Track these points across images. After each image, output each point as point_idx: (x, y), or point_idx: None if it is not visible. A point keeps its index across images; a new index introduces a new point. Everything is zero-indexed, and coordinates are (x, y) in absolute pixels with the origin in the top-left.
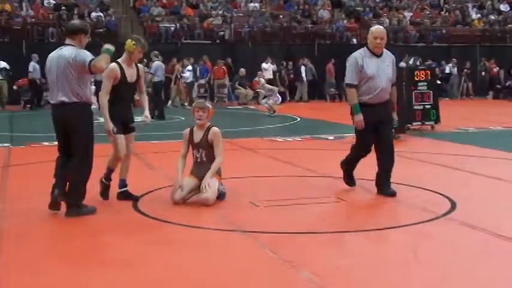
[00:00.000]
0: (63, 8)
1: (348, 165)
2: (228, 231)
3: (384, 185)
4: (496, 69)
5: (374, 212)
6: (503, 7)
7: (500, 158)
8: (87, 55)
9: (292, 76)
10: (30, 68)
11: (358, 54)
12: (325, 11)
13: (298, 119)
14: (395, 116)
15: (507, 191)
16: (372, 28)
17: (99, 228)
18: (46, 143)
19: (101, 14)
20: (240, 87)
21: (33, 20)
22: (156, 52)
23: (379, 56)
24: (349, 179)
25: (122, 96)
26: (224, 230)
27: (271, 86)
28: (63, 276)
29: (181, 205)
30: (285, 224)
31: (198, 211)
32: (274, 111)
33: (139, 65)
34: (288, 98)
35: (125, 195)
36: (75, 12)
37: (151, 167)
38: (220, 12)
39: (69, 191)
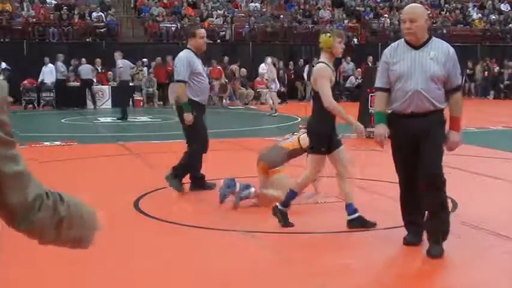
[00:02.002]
0: (64, 8)
1: (405, 208)
2: (229, 231)
3: (429, 240)
4: (496, 69)
5: (374, 212)
6: (504, 7)
7: (501, 157)
8: (178, 73)
9: (293, 76)
10: (61, 68)
11: (389, 47)
12: (326, 11)
13: (299, 119)
14: (455, 136)
15: (508, 190)
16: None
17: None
18: (47, 143)
19: (102, 14)
20: (241, 87)
21: (34, 20)
22: (121, 53)
23: (417, 47)
24: (412, 234)
25: None
26: (225, 230)
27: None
28: (62, 274)
29: (182, 205)
30: None
31: (199, 211)
32: (276, 111)
33: None
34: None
35: (360, 223)
36: (76, 12)
37: (152, 167)
38: (221, 12)
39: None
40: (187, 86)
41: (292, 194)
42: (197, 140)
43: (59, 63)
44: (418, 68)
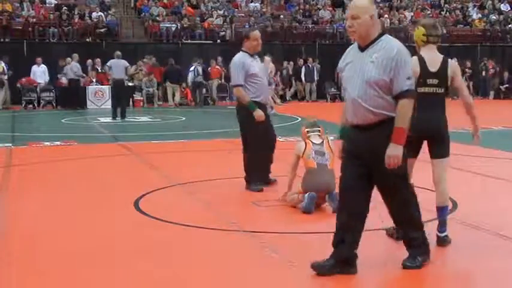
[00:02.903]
0: (64, 8)
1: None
2: (229, 231)
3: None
4: (494, 70)
5: (374, 212)
6: (504, 7)
7: (501, 157)
8: (233, 77)
9: (292, 76)
10: (74, 68)
11: (347, 49)
12: (326, 11)
13: (299, 119)
14: (393, 150)
15: (508, 190)
16: None
17: (100, 228)
18: (47, 143)
19: (102, 14)
20: None
21: (34, 20)
22: (119, 53)
23: (363, 48)
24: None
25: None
26: (225, 230)
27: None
28: (66, 275)
29: (182, 205)
30: (286, 224)
31: (199, 211)
32: (272, 108)
33: None
34: (288, 98)
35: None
36: (76, 12)
37: (152, 167)
38: (221, 12)
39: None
40: (245, 88)
41: (446, 211)
42: (255, 140)
43: (73, 63)
44: (358, 72)
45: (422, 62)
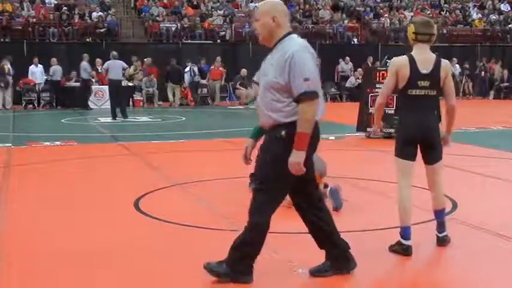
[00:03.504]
0: (64, 8)
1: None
2: (229, 231)
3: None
4: (487, 70)
5: (374, 212)
6: (504, 7)
7: (501, 157)
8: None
9: None
10: (88, 68)
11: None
12: (326, 11)
13: None
14: (293, 157)
15: (508, 190)
16: None
17: (100, 227)
18: (47, 143)
19: (102, 14)
20: (241, 88)
21: (34, 20)
22: (115, 53)
23: (272, 50)
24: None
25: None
26: (225, 230)
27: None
28: (65, 276)
29: (182, 205)
30: (286, 223)
31: (199, 211)
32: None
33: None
34: None
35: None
36: (76, 12)
37: (152, 167)
38: (221, 12)
39: None
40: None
41: (443, 213)
42: None
43: (85, 63)
44: (262, 75)
45: (412, 62)
